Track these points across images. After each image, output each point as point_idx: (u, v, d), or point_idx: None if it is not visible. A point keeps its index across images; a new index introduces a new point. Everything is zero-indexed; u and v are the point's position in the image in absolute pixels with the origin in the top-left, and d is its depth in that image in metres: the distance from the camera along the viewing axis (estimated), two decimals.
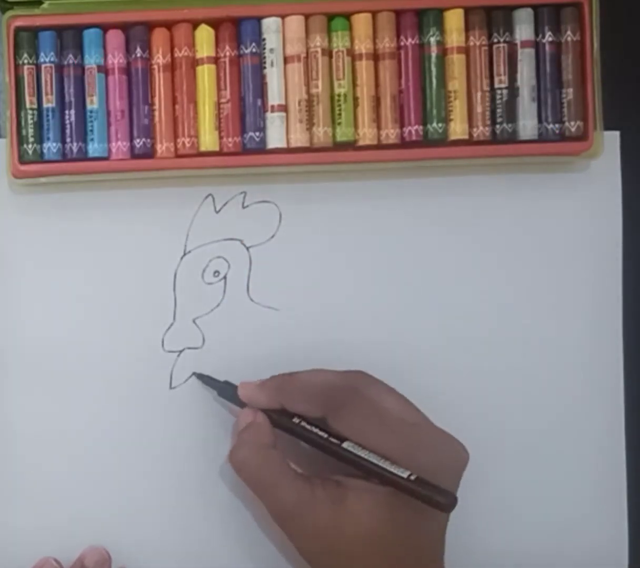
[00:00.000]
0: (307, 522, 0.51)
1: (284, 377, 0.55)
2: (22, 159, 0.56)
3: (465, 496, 0.58)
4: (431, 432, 0.53)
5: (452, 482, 0.52)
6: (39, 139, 0.56)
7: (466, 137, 0.57)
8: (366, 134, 0.57)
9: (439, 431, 0.53)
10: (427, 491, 0.49)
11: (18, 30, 0.56)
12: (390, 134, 0.57)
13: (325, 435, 0.53)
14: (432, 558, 0.52)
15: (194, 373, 0.58)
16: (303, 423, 0.53)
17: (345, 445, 0.52)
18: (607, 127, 0.57)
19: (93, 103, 0.56)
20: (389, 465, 0.51)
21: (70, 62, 0.56)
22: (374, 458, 0.51)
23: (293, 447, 0.55)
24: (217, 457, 0.58)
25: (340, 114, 0.57)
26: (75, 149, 0.56)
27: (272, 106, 0.56)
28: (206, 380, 0.58)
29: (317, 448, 0.53)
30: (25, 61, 0.56)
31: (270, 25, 0.56)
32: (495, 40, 0.57)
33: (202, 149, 0.56)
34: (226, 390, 0.57)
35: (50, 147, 0.56)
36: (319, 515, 0.51)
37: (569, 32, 0.57)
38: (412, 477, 0.50)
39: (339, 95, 0.57)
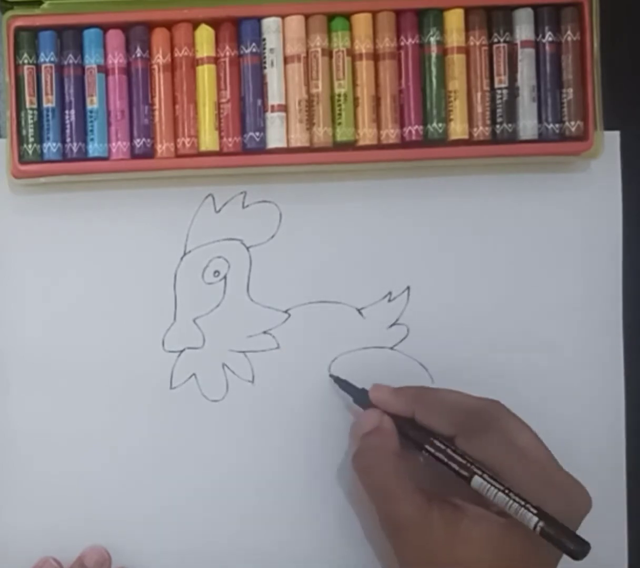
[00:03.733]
0: (418, 539, 0.50)
1: (421, 388, 0.55)
2: (22, 159, 0.56)
3: None
4: (560, 474, 0.52)
5: (573, 527, 0.50)
6: (39, 139, 0.56)
7: (466, 137, 0.57)
8: (366, 134, 0.57)
9: (567, 475, 0.52)
10: (562, 536, 0.48)
11: (18, 30, 0.56)
12: (390, 134, 0.57)
13: (457, 467, 0.51)
14: None
15: (331, 376, 0.58)
16: (438, 442, 0.52)
17: (474, 482, 0.51)
18: (607, 127, 0.57)
19: (93, 103, 0.56)
20: (516, 509, 0.49)
21: (70, 62, 0.56)
22: (501, 500, 0.50)
23: (413, 458, 0.54)
24: (217, 457, 0.58)
25: (340, 114, 0.57)
26: (75, 149, 0.56)
27: (272, 106, 0.56)
28: (343, 384, 0.57)
29: (447, 467, 0.52)
30: (25, 61, 0.56)
31: (270, 25, 0.56)
32: (495, 40, 0.57)
33: (202, 149, 0.56)
34: (359, 396, 0.56)
35: (50, 147, 0.56)
36: (431, 534, 0.50)
37: (569, 32, 0.57)
38: (540, 525, 0.48)
39: (339, 95, 0.57)
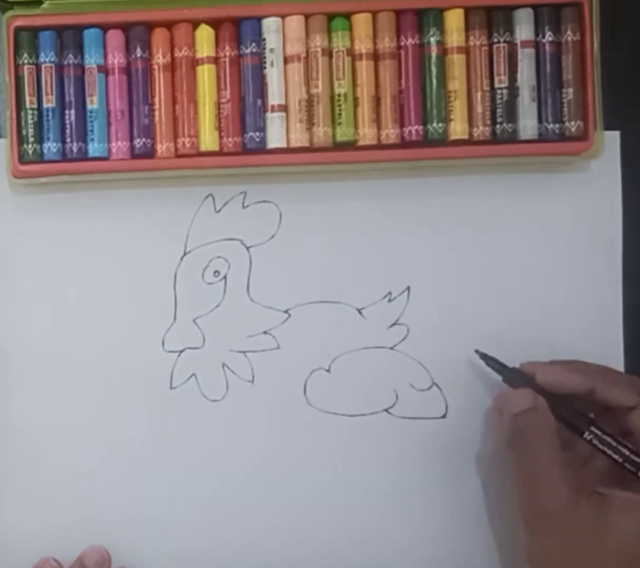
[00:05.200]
0: (564, 528, 0.50)
1: (578, 362, 0.53)
2: (22, 159, 0.56)
3: (463, 495, 0.58)
4: None
5: None
6: (39, 139, 0.56)
7: (466, 137, 0.57)
8: (366, 134, 0.57)
9: None
10: None
11: (18, 30, 0.56)
12: (390, 134, 0.57)
13: (621, 459, 0.50)
14: None
15: (477, 351, 0.56)
16: (600, 433, 0.51)
17: None
18: (607, 127, 0.57)
19: (93, 103, 0.56)
20: None
21: (70, 62, 0.56)
22: None
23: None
24: (217, 457, 0.58)
25: (340, 114, 0.57)
26: (75, 149, 0.56)
27: (272, 106, 0.56)
28: (491, 362, 0.56)
29: (604, 454, 0.51)
30: (25, 61, 0.56)
31: (270, 25, 0.56)
32: (496, 40, 0.57)
33: (202, 149, 0.56)
34: (514, 377, 0.55)
35: (50, 147, 0.56)
36: (579, 524, 0.49)
37: (569, 32, 0.57)
38: None
39: (339, 95, 0.57)
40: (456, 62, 0.57)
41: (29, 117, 0.56)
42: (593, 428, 0.51)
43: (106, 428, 0.58)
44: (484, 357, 0.56)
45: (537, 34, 0.57)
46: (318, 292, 0.59)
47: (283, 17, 0.56)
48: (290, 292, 0.59)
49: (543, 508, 0.50)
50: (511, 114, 0.57)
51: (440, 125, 0.57)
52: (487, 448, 0.57)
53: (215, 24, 0.56)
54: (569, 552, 0.50)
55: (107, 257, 0.58)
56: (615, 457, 0.51)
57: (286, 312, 0.59)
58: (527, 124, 0.57)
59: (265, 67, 0.57)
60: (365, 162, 0.57)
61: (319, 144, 0.57)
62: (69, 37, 0.56)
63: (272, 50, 0.56)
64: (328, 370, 0.58)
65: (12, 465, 0.58)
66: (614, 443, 0.51)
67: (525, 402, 0.52)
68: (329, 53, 0.57)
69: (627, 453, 0.50)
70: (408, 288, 0.59)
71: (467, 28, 0.57)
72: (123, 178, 0.57)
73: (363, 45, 0.56)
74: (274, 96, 0.56)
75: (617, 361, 0.59)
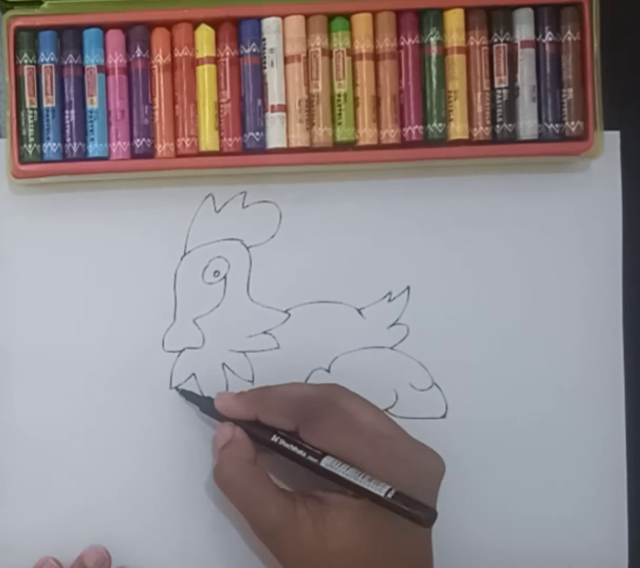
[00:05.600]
0: (291, 539, 0.51)
1: (262, 389, 0.55)
2: (22, 159, 0.56)
3: (463, 495, 0.58)
4: (406, 444, 0.53)
5: (430, 494, 0.52)
6: (39, 139, 0.56)
7: (466, 137, 0.57)
8: (366, 134, 0.57)
9: (415, 443, 0.53)
10: (406, 506, 0.49)
11: (18, 30, 0.56)
12: (390, 134, 0.57)
13: (304, 454, 0.52)
14: None
15: (176, 388, 0.58)
16: (282, 441, 0.53)
17: (323, 462, 0.52)
18: (607, 127, 0.57)
19: (93, 103, 0.56)
20: (368, 482, 0.50)
21: (70, 62, 0.56)
22: (352, 475, 0.51)
23: (272, 460, 0.55)
24: None
25: (340, 114, 0.57)
26: (75, 149, 0.56)
27: (272, 106, 0.56)
28: (188, 395, 0.57)
29: (298, 463, 0.53)
30: (25, 61, 0.56)
31: (270, 25, 0.56)
32: (496, 40, 0.57)
33: (202, 149, 0.56)
34: (208, 405, 0.56)
35: (50, 147, 0.56)
36: (301, 532, 0.51)
37: (569, 32, 0.57)
38: (391, 493, 0.49)
39: (339, 95, 0.57)
40: (456, 62, 0.57)
41: (29, 117, 0.56)
42: (273, 440, 0.53)
43: (106, 428, 0.58)
44: (182, 392, 0.58)
45: (537, 34, 0.57)
46: (318, 292, 0.59)
47: (283, 17, 0.56)
48: (290, 292, 0.59)
49: (266, 525, 0.52)
50: (511, 114, 0.57)
51: (440, 125, 0.57)
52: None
53: (215, 24, 0.56)
54: (304, 558, 0.51)
55: (107, 256, 0.58)
56: (300, 453, 0.53)
57: (286, 312, 0.59)
58: (527, 124, 0.57)
59: (265, 67, 0.57)
60: (365, 162, 0.57)
61: (319, 144, 0.57)
62: (69, 37, 0.56)
63: (272, 50, 0.56)
64: (328, 370, 0.58)
65: (12, 465, 0.58)
66: (291, 449, 0.53)
67: (225, 436, 0.55)
68: (329, 53, 0.57)
69: (307, 449, 0.53)
70: (408, 288, 0.59)
71: (467, 28, 0.57)
72: (123, 178, 0.57)
73: (363, 45, 0.56)
74: (274, 96, 0.56)
75: (617, 361, 0.59)
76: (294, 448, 0.53)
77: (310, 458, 0.52)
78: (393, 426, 0.53)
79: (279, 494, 0.52)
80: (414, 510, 0.49)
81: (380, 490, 0.50)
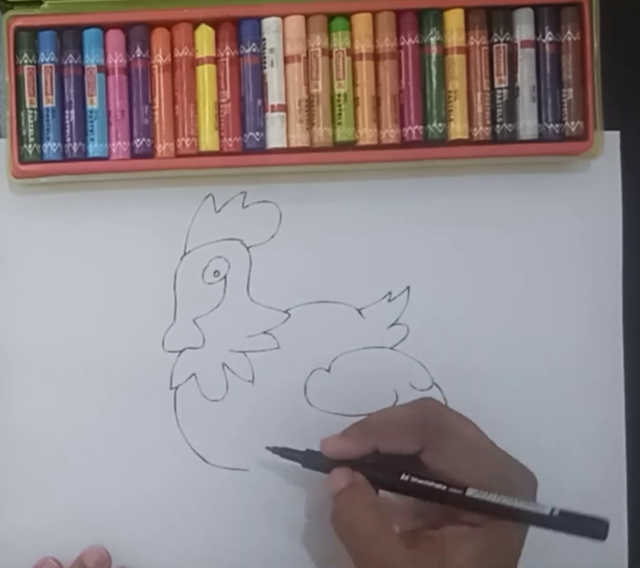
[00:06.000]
0: None
1: (363, 421, 0.54)
2: (22, 159, 0.56)
3: None
4: (505, 458, 0.51)
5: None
6: (39, 139, 0.56)
7: (466, 137, 0.57)
8: (366, 134, 0.57)
9: (509, 456, 0.52)
10: (580, 522, 0.46)
11: (18, 30, 0.56)
12: (390, 134, 0.57)
13: (444, 487, 0.50)
14: None
15: (268, 448, 0.56)
16: (414, 479, 0.51)
17: (470, 492, 0.49)
18: (607, 127, 0.57)
19: (93, 103, 0.56)
20: (526, 504, 0.48)
21: (70, 62, 0.56)
22: (506, 499, 0.48)
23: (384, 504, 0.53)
24: (217, 457, 0.58)
25: (340, 114, 0.57)
26: (75, 149, 0.56)
27: (272, 106, 0.56)
28: (285, 453, 0.55)
29: (432, 500, 0.51)
30: (25, 61, 0.56)
31: (270, 25, 0.56)
32: (495, 40, 0.57)
33: (202, 149, 0.56)
34: (310, 459, 0.54)
35: (50, 147, 0.56)
36: None
37: (569, 32, 0.57)
38: (556, 512, 0.47)
39: (339, 95, 0.57)
40: (456, 62, 0.57)
41: (29, 117, 0.56)
42: (402, 478, 0.52)
43: (106, 428, 0.58)
44: (276, 450, 0.55)
45: (537, 34, 0.57)
46: (318, 292, 0.59)
47: (283, 17, 0.56)
48: (290, 292, 0.59)
49: None
50: (511, 114, 0.57)
51: (440, 125, 0.57)
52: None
53: (215, 24, 0.56)
54: None
55: (107, 256, 0.58)
56: (439, 486, 0.50)
57: (286, 312, 0.59)
58: (527, 124, 0.57)
59: (265, 67, 0.57)
60: (365, 162, 0.57)
61: (319, 144, 0.57)
62: (69, 37, 0.56)
63: (272, 50, 0.56)
64: (328, 370, 0.59)
65: (12, 465, 0.58)
66: (434, 489, 0.51)
67: (341, 481, 0.53)
68: (329, 53, 0.57)
69: (445, 489, 0.50)
70: (408, 288, 0.59)
71: (467, 28, 0.57)
72: (123, 178, 0.57)
73: (363, 45, 0.56)
74: (274, 96, 0.56)
75: (617, 361, 0.59)
76: (431, 483, 0.51)
77: (453, 490, 0.50)
78: (488, 439, 0.52)
79: (401, 541, 0.50)
80: (589, 525, 0.46)
81: (544, 510, 0.47)
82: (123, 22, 0.56)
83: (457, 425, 0.52)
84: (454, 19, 0.57)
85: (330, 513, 0.53)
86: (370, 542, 0.50)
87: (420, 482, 0.51)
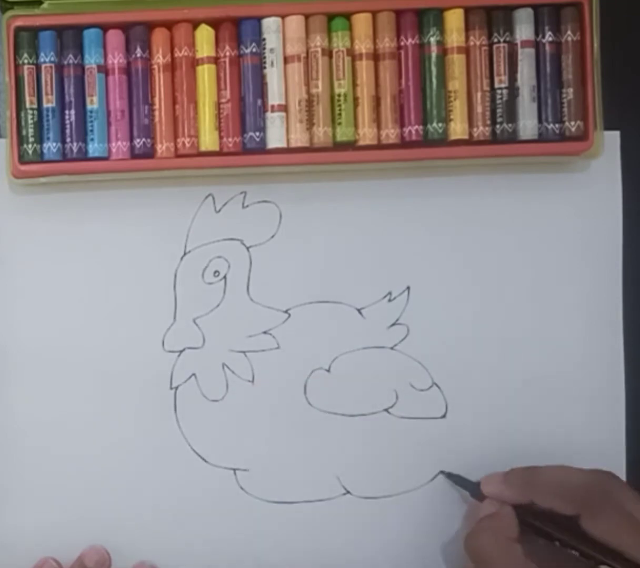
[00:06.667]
0: None
1: (530, 470, 0.54)
2: (22, 159, 0.56)
3: (462, 495, 0.58)
4: None
5: None
6: (39, 139, 0.56)
7: (466, 137, 0.57)
8: (366, 134, 0.57)
9: None
10: None
11: (18, 30, 0.56)
12: (390, 134, 0.57)
13: (591, 545, 0.51)
14: None
15: (441, 472, 0.57)
16: (560, 527, 0.52)
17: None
18: (607, 127, 0.57)
19: (93, 103, 0.56)
20: None
21: (70, 62, 0.56)
22: None
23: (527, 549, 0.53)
24: (217, 457, 0.58)
25: (340, 114, 0.57)
26: (75, 149, 0.56)
27: (272, 106, 0.56)
28: (456, 479, 0.57)
29: (576, 551, 0.51)
30: (25, 61, 0.56)
31: (270, 25, 0.56)
32: (496, 40, 0.57)
33: (202, 149, 0.56)
34: (478, 490, 0.55)
35: (50, 147, 0.56)
36: None
37: (569, 32, 0.57)
38: None
39: (339, 95, 0.57)
40: (456, 62, 0.57)
41: (29, 117, 0.56)
42: (552, 532, 0.52)
43: (106, 428, 0.58)
44: (449, 476, 0.57)
45: (537, 34, 0.57)
46: (318, 292, 0.59)
47: (283, 17, 0.56)
48: (290, 292, 0.59)
49: None
50: (511, 114, 0.57)
51: (440, 125, 0.57)
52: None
53: (215, 24, 0.56)
54: None
55: (107, 256, 0.58)
56: (584, 549, 0.51)
57: (286, 312, 0.59)
58: (527, 124, 0.57)
59: (265, 67, 0.57)
60: (365, 162, 0.57)
61: (319, 144, 0.57)
62: (69, 37, 0.56)
63: (272, 50, 0.56)
64: (328, 370, 0.59)
65: (12, 465, 0.58)
66: (575, 544, 0.52)
67: (489, 508, 0.54)
68: (329, 53, 0.57)
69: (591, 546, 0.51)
70: (408, 288, 0.59)
71: (467, 28, 0.57)
72: (123, 178, 0.57)
73: (363, 45, 0.56)
74: (274, 96, 0.56)
75: (617, 361, 0.59)
76: (575, 544, 0.51)
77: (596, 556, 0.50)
78: None
79: None
80: None
81: None
82: (123, 22, 0.56)
83: (629, 502, 0.51)
84: (454, 19, 0.57)
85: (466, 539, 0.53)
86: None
87: (566, 539, 0.52)
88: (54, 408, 0.58)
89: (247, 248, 0.59)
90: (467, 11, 0.57)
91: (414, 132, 0.57)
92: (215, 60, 0.57)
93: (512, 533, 0.52)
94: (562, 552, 0.52)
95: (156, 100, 0.57)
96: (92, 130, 0.56)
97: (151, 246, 0.58)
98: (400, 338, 0.59)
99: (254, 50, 0.56)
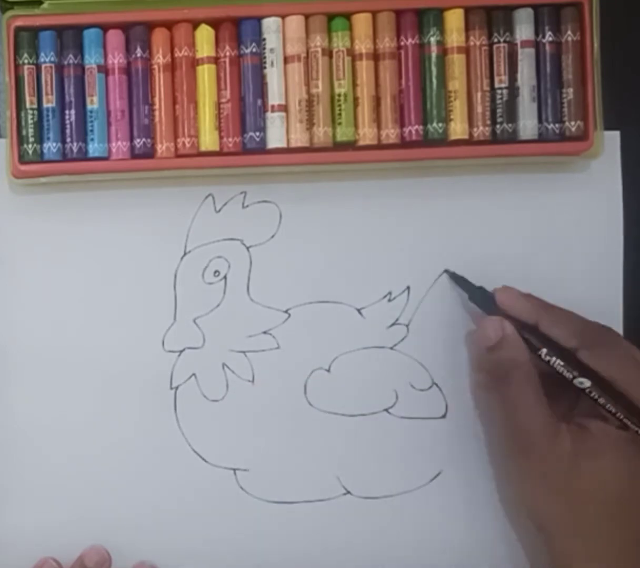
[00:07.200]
0: (543, 453, 0.50)
1: (545, 301, 0.55)
2: (22, 159, 0.56)
3: (462, 495, 0.58)
4: None
5: None
6: (39, 139, 0.56)
7: (466, 137, 0.57)
8: (366, 134, 0.57)
9: None
10: None
11: (18, 30, 0.56)
12: (390, 134, 0.57)
13: (584, 370, 0.51)
14: None
15: (445, 271, 0.58)
16: (556, 348, 0.52)
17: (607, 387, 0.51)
18: (607, 127, 0.57)
19: (93, 103, 0.56)
20: None
21: (70, 62, 0.56)
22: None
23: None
24: (217, 457, 0.58)
25: (340, 114, 0.57)
26: (75, 149, 0.56)
27: (272, 106, 0.56)
28: (458, 280, 0.57)
29: (565, 374, 0.52)
30: (25, 61, 0.56)
31: (270, 25, 0.56)
32: (496, 40, 0.57)
33: (202, 149, 0.56)
34: (478, 296, 0.56)
35: (50, 147, 0.56)
36: (557, 448, 0.50)
37: (569, 32, 0.57)
38: None
39: (339, 95, 0.57)
40: (456, 62, 0.57)
41: (29, 117, 0.56)
42: (546, 351, 0.53)
43: (106, 428, 0.58)
44: (453, 276, 0.57)
45: (537, 34, 0.57)
46: (318, 292, 0.59)
47: (283, 17, 0.56)
48: (290, 292, 0.59)
49: (525, 434, 0.51)
50: (511, 114, 0.57)
51: (440, 125, 0.57)
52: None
53: (215, 24, 0.56)
54: (547, 477, 0.50)
55: (107, 257, 0.58)
56: (572, 373, 0.52)
57: (286, 312, 0.59)
58: (527, 123, 0.57)
59: (265, 67, 0.57)
60: (365, 162, 0.57)
61: (319, 144, 0.57)
62: (69, 37, 0.56)
63: (272, 50, 0.56)
64: (328, 370, 0.59)
65: (12, 465, 0.58)
66: (566, 365, 0.52)
67: (495, 332, 0.53)
68: (329, 53, 0.57)
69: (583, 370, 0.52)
70: (408, 288, 0.59)
71: (467, 28, 0.57)
72: (123, 178, 0.57)
73: (363, 45, 0.56)
74: (274, 96, 0.56)
75: None
76: (566, 366, 0.52)
77: (583, 380, 0.51)
78: None
79: (547, 404, 0.51)
80: None
81: None
82: (123, 22, 0.56)
83: (635, 350, 0.52)
84: (454, 19, 0.57)
85: (482, 363, 0.54)
86: (519, 397, 0.51)
87: (558, 360, 0.52)
88: (54, 409, 0.58)
89: (247, 248, 0.59)
90: (467, 11, 0.57)
91: (414, 132, 0.57)
92: (215, 60, 0.57)
93: (526, 357, 0.52)
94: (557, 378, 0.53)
95: (156, 100, 0.57)
96: (92, 130, 0.56)
97: (151, 246, 0.58)
98: (400, 338, 0.59)
99: (254, 50, 0.56)
